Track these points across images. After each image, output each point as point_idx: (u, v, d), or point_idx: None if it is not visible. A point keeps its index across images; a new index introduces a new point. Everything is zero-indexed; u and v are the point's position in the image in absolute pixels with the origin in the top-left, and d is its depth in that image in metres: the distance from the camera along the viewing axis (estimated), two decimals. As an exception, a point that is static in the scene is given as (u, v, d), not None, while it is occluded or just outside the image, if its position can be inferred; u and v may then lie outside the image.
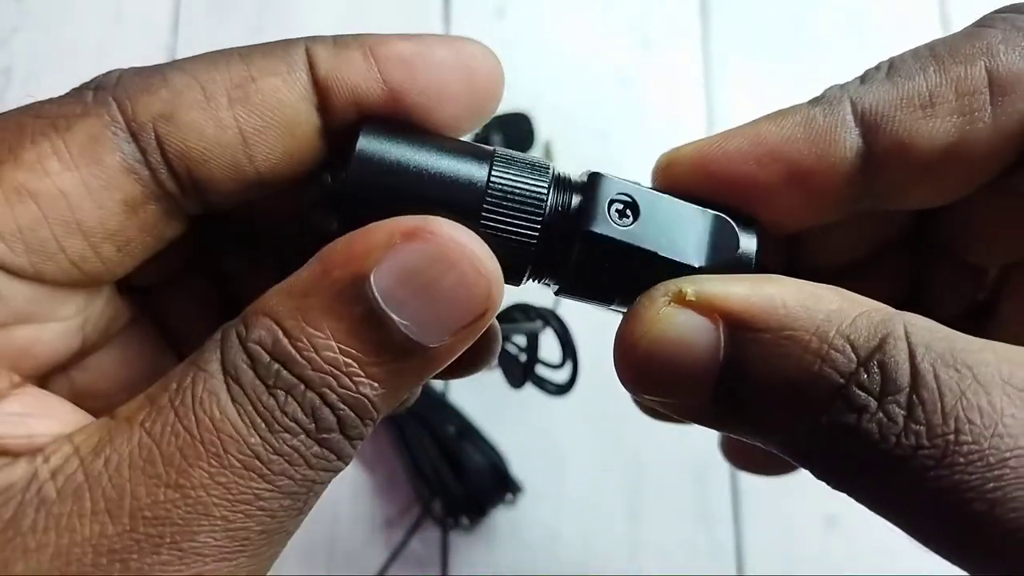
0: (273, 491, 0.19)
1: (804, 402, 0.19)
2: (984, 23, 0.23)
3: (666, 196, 0.22)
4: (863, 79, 0.23)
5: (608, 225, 0.22)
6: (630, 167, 0.59)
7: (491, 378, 0.49)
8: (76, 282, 0.22)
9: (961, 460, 0.18)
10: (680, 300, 0.21)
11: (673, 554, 0.52)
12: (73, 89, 0.22)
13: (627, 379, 0.22)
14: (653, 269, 0.22)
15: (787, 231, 0.25)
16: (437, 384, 0.54)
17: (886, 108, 0.22)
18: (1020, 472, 0.18)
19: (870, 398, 0.19)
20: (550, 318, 0.40)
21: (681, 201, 0.22)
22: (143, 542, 0.18)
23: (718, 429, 0.22)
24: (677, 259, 0.22)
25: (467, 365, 0.31)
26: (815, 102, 0.23)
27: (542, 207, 0.22)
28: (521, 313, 0.41)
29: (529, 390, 0.45)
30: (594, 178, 0.22)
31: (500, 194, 0.22)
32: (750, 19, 0.63)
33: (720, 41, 0.62)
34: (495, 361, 0.32)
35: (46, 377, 0.24)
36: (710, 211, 0.22)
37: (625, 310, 0.24)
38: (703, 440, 0.54)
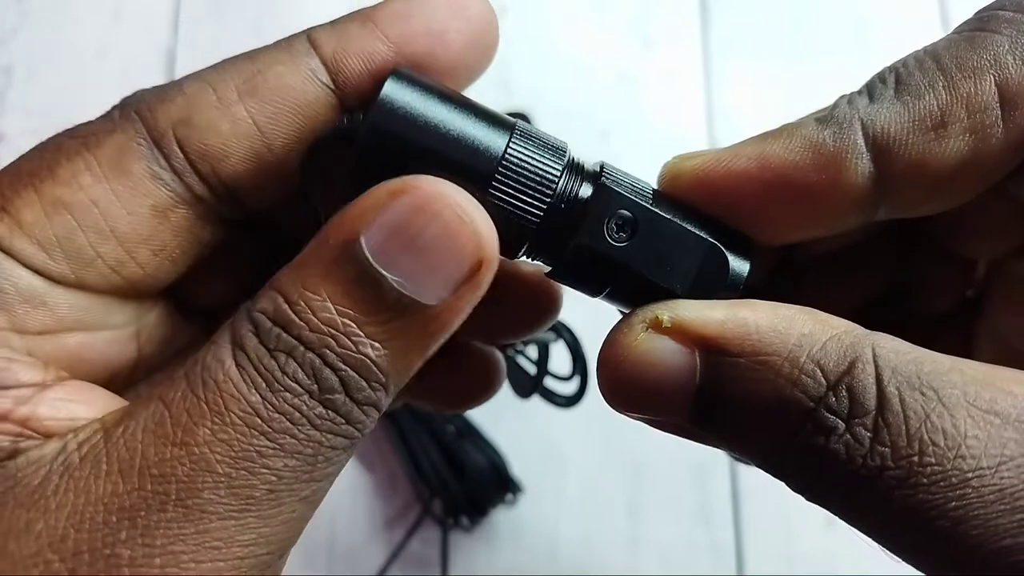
0: (276, 449, 0.20)
1: (776, 424, 0.20)
2: (988, 26, 0.22)
3: (666, 217, 0.23)
4: (871, 95, 0.23)
5: (603, 241, 0.22)
6: (630, 167, 0.59)
7: (491, 378, 0.49)
8: (120, 288, 0.23)
9: (924, 480, 0.19)
10: (656, 326, 0.21)
11: (673, 554, 0.52)
12: (106, 112, 0.24)
13: (609, 398, 0.23)
14: (638, 287, 0.23)
15: (789, 242, 0.25)
16: (437, 384, 0.54)
17: (898, 132, 0.22)
18: (982, 491, 0.18)
19: (838, 420, 0.19)
20: (561, 330, 0.40)
21: (681, 224, 0.23)
22: (150, 499, 0.19)
23: (701, 443, 0.23)
24: (662, 284, 0.23)
25: (469, 396, 0.32)
26: (824, 123, 0.23)
27: (552, 189, 0.22)
28: None
29: (529, 390, 0.45)
30: (601, 188, 0.23)
31: (514, 167, 0.22)
32: (750, 19, 0.63)
33: (720, 41, 0.62)
34: (497, 390, 0.32)
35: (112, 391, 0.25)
36: (706, 239, 0.23)
37: (610, 303, 0.25)
38: (703, 440, 0.54)
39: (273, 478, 0.20)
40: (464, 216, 0.20)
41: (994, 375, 0.19)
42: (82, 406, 0.21)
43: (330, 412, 0.20)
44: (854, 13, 0.63)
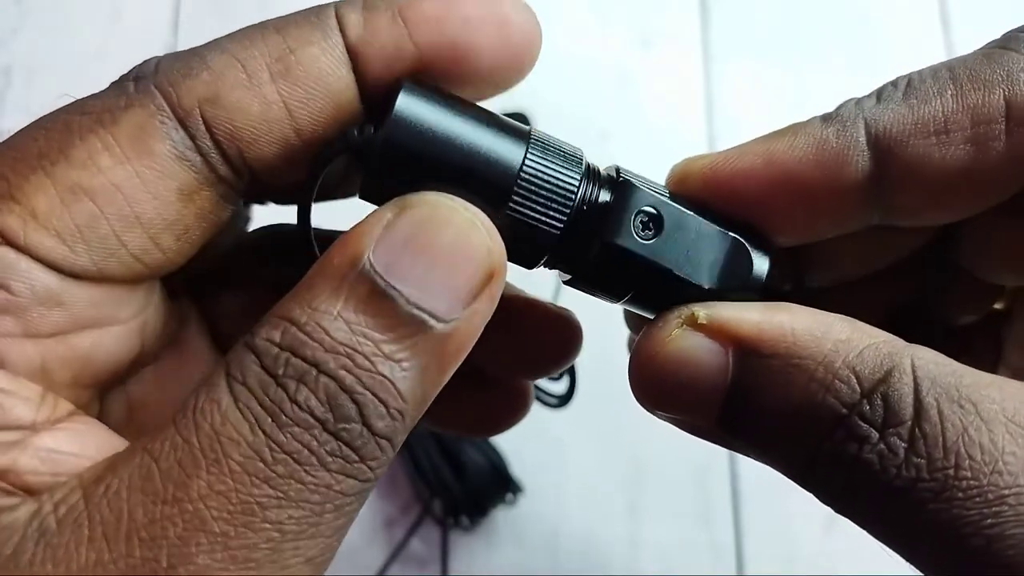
0: (280, 498, 0.18)
1: (806, 429, 0.20)
2: (1007, 45, 0.22)
3: (689, 213, 0.23)
4: (879, 97, 0.23)
5: (631, 239, 0.22)
6: (630, 167, 0.59)
7: (491, 378, 0.49)
8: (138, 276, 0.22)
9: (960, 495, 0.18)
10: (692, 323, 0.21)
11: (673, 554, 0.52)
12: (113, 83, 0.22)
13: (639, 394, 0.22)
14: (666, 283, 0.22)
15: (793, 243, 0.25)
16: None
17: (900, 132, 0.22)
18: (1018, 509, 0.18)
19: (872, 429, 0.19)
20: None
21: (703, 220, 0.23)
22: (139, 567, 0.17)
23: (724, 447, 0.23)
24: (690, 279, 0.22)
25: (498, 423, 0.32)
26: (828, 120, 0.23)
27: (572, 200, 0.22)
28: None
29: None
30: (624, 187, 0.23)
31: (532, 181, 0.22)
32: (750, 19, 0.63)
33: (720, 41, 0.62)
34: (525, 414, 0.32)
35: (105, 390, 0.23)
36: (729, 234, 0.23)
37: (631, 308, 0.24)
38: (703, 440, 0.54)
39: (276, 534, 0.18)
40: (473, 224, 0.20)
41: None
42: (72, 459, 0.19)
43: (343, 447, 0.18)
44: (854, 13, 0.63)
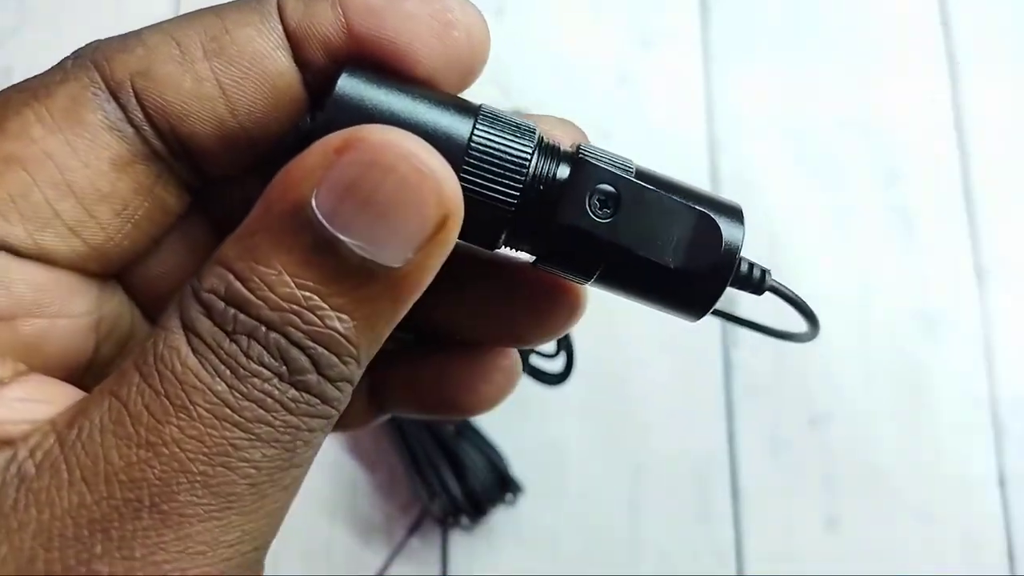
0: (252, 439, 0.18)
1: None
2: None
3: (651, 188, 0.22)
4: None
5: (587, 218, 0.21)
6: (630, 167, 0.59)
7: (491, 378, 0.49)
8: (82, 256, 0.21)
9: None
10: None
11: (673, 554, 0.52)
12: (58, 63, 0.22)
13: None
14: (629, 263, 0.22)
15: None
16: (437, 384, 0.54)
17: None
18: None
19: None
20: None
21: (667, 195, 0.22)
22: (122, 507, 0.18)
23: None
24: (653, 258, 0.21)
25: (484, 399, 0.30)
26: None
27: (524, 172, 0.21)
28: None
29: (529, 389, 0.45)
30: (580, 163, 0.22)
31: (481, 153, 0.21)
32: (750, 19, 0.63)
33: (720, 41, 0.62)
34: (513, 388, 0.31)
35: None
36: (696, 208, 0.22)
37: (604, 288, 0.23)
38: (704, 439, 0.54)
39: (253, 471, 0.19)
40: (422, 166, 0.18)
41: None
42: (43, 405, 0.19)
43: (304, 394, 0.19)
44: (854, 13, 0.63)
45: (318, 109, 0.21)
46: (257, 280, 0.18)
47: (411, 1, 0.22)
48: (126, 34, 0.22)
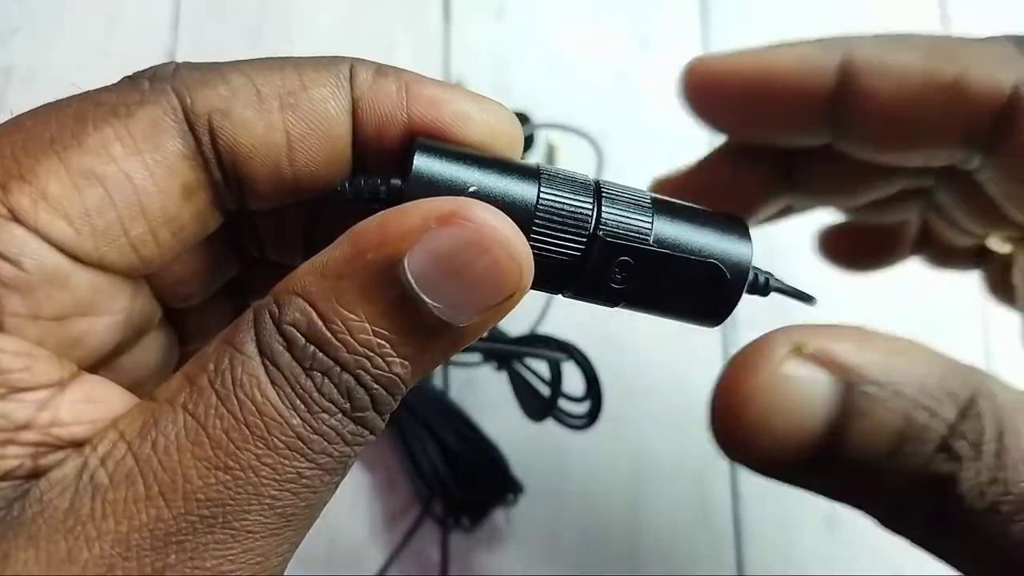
0: (315, 468, 0.20)
1: (908, 455, 0.20)
2: (988, 41, 0.26)
3: (663, 252, 0.23)
4: (873, 36, 0.28)
5: (606, 286, 0.24)
6: (630, 167, 0.59)
7: (491, 377, 0.49)
8: (132, 267, 0.23)
9: None
10: (799, 352, 0.20)
11: (673, 554, 0.52)
12: (126, 78, 0.23)
13: (731, 437, 0.21)
14: (647, 306, 0.24)
15: (757, 141, 0.32)
16: (437, 384, 0.54)
17: (866, 64, 0.27)
18: None
19: (968, 448, 0.19)
20: (572, 351, 0.39)
21: (676, 255, 0.24)
22: (198, 523, 0.19)
23: (804, 486, 0.22)
24: (668, 308, 0.25)
25: None
26: (817, 40, 0.29)
27: (588, 225, 0.23)
28: (541, 345, 0.41)
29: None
30: (595, 242, 0.23)
31: (548, 212, 0.23)
32: (750, 18, 0.63)
33: (720, 41, 0.62)
34: None
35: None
36: (704, 260, 0.24)
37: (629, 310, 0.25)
38: (704, 440, 0.54)
39: (312, 495, 0.21)
40: (514, 252, 0.20)
41: None
42: (99, 406, 0.21)
43: (360, 428, 0.21)
44: (854, 13, 0.63)
45: (361, 173, 0.23)
46: (340, 324, 0.20)
47: (468, 103, 0.24)
48: (206, 66, 0.23)
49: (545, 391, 0.41)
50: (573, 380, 0.40)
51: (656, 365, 0.55)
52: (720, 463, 0.53)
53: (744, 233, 0.25)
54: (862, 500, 0.21)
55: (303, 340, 0.20)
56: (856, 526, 0.55)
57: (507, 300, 0.21)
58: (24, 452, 0.19)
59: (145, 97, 0.22)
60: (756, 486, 0.53)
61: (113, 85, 0.22)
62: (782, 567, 0.51)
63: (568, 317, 0.48)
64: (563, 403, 0.41)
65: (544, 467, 0.53)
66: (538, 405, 0.42)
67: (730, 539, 0.52)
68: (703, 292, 0.24)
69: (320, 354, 0.20)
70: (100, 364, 0.24)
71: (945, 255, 0.33)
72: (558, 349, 0.39)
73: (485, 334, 0.22)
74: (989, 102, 0.25)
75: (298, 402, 0.20)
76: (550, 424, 0.53)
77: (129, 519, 0.19)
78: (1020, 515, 0.19)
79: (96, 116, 0.21)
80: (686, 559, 0.52)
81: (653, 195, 0.25)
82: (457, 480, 0.49)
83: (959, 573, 0.21)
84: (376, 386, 0.20)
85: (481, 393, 0.53)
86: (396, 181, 0.22)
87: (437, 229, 0.20)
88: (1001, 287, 0.35)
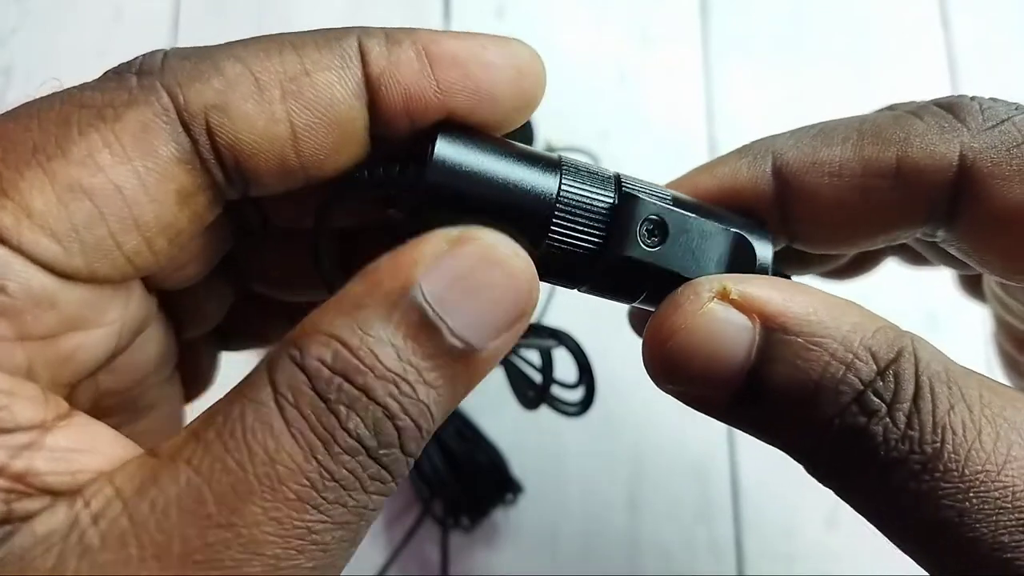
0: (326, 522, 0.19)
1: (822, 404, 0.20)
2: (917, 112, 0.25)
3: (691, 216, 0.23)
4: (794, 134, 0.26)
5: (639, 248, 0.23)
6: (630, 167, 0.59)
7: (491, 377, 0.49)
8: (126, 277, 0.21)
9: (941, 468, 0.19)
10: (724, 297, 0.21)
11: (673, 553, 0.52)
12: (112, 72, 0.21)
13: (656, 368, 0.23)
14: (676, 284, 0.23)
15: None
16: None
17: (799, 168, 0.25)
18: (988, 486, 0.19)
19: (882, 404, 0.20)
20: (563, 338, 0.39)
21: (705, 220, 0.23)
22: None
23: (730, 423, 0.23)
24: (696, 279, 0.23)
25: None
26: (743, 152, 0.26)
27: (607, 218, 0.23)
28: (532, 333, 0.40)
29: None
30: (627, 198, 0.23)
31: (570, 204, 0.22)
32: (750, 17, 0.63)
33: (720, 40, 0.62)
34: None
35: (76, 386, 0.23)
36: (731, 230, 0.24)
37: (643, 306, 0.25)
38: (703, 439, 0.54)
39: (321, 553, 0.19)
40: (522, 267, 0.21)
41: (1002, 388, 0.21)
42: (85, 455, 0.19)
43: (381, 471, 0.19)
44: (855, 12, 0.63)
45: (381, 159, 0.22)
46: (366, 349, 0.19)
47: (492, 49, 0.23)
48: (197, 54, 0.21)
49: (538, 379, 0.41)
50: (567, 368, 0.40)
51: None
52: (720, 462, 0.53)
53: (763, 226, 0.25)
54: (784, 443, 0.22)
55: (328, 372, 0.19)
56: (856, 526, 0.55)
57: (519, 320, 0.21)
58: None
59: (133, 97, 0.20)
60: (756, 484, 0.53)
61: (98, 81, 0.21)
62: (782, 567, 0.51)
63: (567, 311, 0.48)
64: (557, 390, 0.41)
65: (544, 467, 0.53)
66: (531, 394, 0.42)
67: (730, 539, 0.52)
68: (730, 268, 0.24)
69: (346, 384, 0.19)
70: (96, 372, 0.24)
71: (919, 259, 0.33)
72: (549, 336, 0.39)
73: (497, 363, 0.22)
74: (939, 180, 0.24)
75: (316, 443, 0.18)
76: (550, 424, 0.53)
77: None
78: (925, 475, 0.19)
79: (81, 120, 0.20)
80: (686, 559, 0.52)
81: (673, 192, 0.25)
82: (457, 480, 0.49)
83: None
84: (404, 417, 0.19)
85: (481, 393, 0.53)
86: (417, 167, 0.22)
87: (449, 251, 0.20)
88: (972, 286, 0.35)
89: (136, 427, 0.22)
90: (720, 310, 0.21)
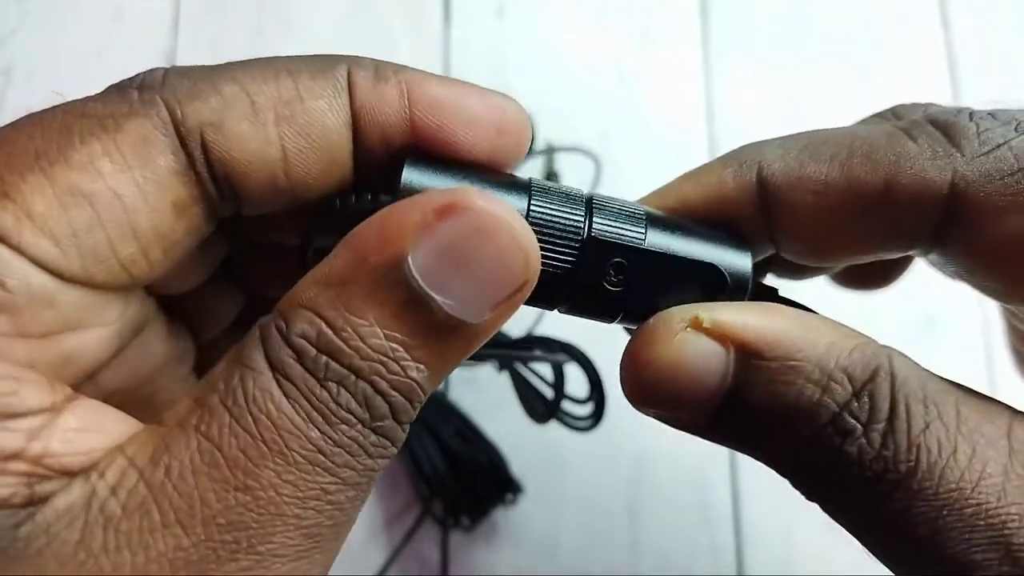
0: (339, 483, 0.19)
1: (799, 426, 0.21)
2: (909, 130, 0.24)
3: (658, 252, 0.23)
4: (783, 143, 0.25)
5: (607, 289, 0.23)
6: (630, 167, 0.59)
7: (490, 377, 0.49)
8: (121, 284, 0.22)
9: (915, 486, 0.19)
10: (696, 326, 0.22)
11: (673, 554, 0.52)
12: (114, 87, 0.22)
13: (634, 396, 0.23)
14: (650, 312, 0.23)
15: None
16: (437, 384, 0.54)
17: (784, 182, 0.24)
18: (962, 504, 0.19)
19: (857, 425, 0.20)
20: (574, 352, 0.39)
21: (674, 252, 0.23)
22: (220, 549, 0.18)
23: (712, 441, 0.23)
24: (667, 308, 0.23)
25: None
26: (728, 161, 0.26)
27: (580, 235, 0.23)
28: (542, 346, 0.40)
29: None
30: (595, 242, 0.23)
31: (539, 224, 0.22)
32: (750, 17, 0.63)
33: (720, 40, 0.62)
34: None
35: (78, 384, 0.23)
36: (699, 260, 0.24)
37: (625, 326, 0.25)
38: (703, 441, 0.54)
39: (338, 512, 0.20)
40: (518, 238, 0.20)
41: (981, 404, 0.21)
42: (95, 435, 0.20)
43: (381, 439, 0.20)
44: (855, 11, 0.63)
45: (363, 190, 0.23)
46: (350, 331, 0.19)
47: (473, 101, 0.23)
48: (197, 73, 0.22)
49: (548, 393, 0.41)
50: (576, 381, 0.40)
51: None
52: (720, 463, 0.53)
53: (742, 242, 0.25)
54: (766, 460, 0.22)
55: (314, 351, 0.19)
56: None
57: (518, 292, 0.20)
58: (17, 481, 0.18)
59: (134, 109, 0.21)
60: (756, 486, 0.53)
61: (100, 95, 0.21)
62: (782, 567, 0.51)
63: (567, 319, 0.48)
64: (567, 405, 0.41)
65: (544, 467, 0.52)
66: (542, 408, 0.41)
67: (730, 539, 0.52)
68: (703, 298, 0.23)
69: (333, 363, 0.19)
70: (97, 371, 0.24)
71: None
72: (560, 350, 0.39)
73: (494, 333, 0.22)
74: (928, 205, 0.23)
75: (315, 414, 0.19)
76: (550, 424, 0.53)
77: (145, 549, 0.18)
78: (899, 493, 0.20)
79: (83, 129, 0.20)
80: (686, 559, 0.52)
81: (647, 208, 0.25)
82: (457, 480, 0.49)
83: None
84: (394, 393, 0.20)
85: (481, 393, 0.53)
86: (387, 197, 0.22)
87: (437, 222, 0.19)
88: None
89: None
90: (692, 339, 0.22)
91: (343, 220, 0.22)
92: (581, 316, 0.25)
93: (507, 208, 0.20)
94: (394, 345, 0.19)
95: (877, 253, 0.25)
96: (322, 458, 0.19)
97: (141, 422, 0.22)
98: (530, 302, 0.23)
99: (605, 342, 0.38)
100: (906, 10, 0.63)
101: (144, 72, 0.22)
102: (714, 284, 0.23)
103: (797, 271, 0.32)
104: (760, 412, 0.21)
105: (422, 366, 0.20)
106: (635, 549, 0.52)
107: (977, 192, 0.22)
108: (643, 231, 0.23)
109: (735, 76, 0.61)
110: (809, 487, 0.22)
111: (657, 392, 0.22)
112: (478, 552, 0.51)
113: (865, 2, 0.64)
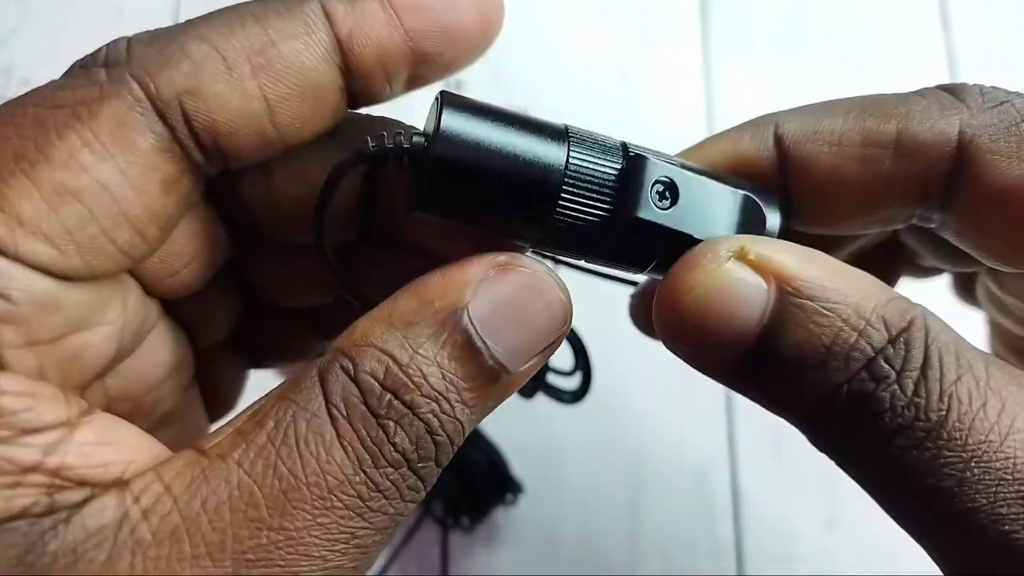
0: (368, 528, 0.20)
1: (831, 369, 0.20)
2: (921, 92, 0.25)
3: (701, 177, 0.23)
4: (798, 109, 0.26)
5: (651, 210, 0.22)
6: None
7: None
8: (124, 268, 0.22)
9: (945, 436, 0.19)
10: (742, 256, 0.21)
11: (673, 554, 0.52)
12: (78, 65, 0.21)
13: (667, 327, 0.23)
14: (686, 247, 0.23)
15: None
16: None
17: (800, 137, 0.25)
18: (991, 456, 0.19)
19: (892, 370, 0.20)
20: None
21: (713, 182, 0.23)
22: None
23: (734, 386, 0.23)
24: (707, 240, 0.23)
25: None
26: (746, 124, 0.27)
27: (616, 186, 0.22)
28: None
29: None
30: (637, 161, 0.23)
31: (578, 175, 0.22)
32: (750, 17, 0.63)
33: (720, 40, 0.62)
34: None
35: (85, 388, 0.23)
36: (740, 192, 0.24)
37: (652, 276, 0.25)
38: (704, 439, 0.54)
39: (361, 555, 0.20)
40: (562, 295, 0.22)
41: (1008, 367, 0.21)
42: (111, 448, 0.20)
43: (418, 482, 0.21)
44: (855, 12, 0.63)
45: (394, 134, 0.22)
46: (416, 368, 0.20)
47: None
48: (161, 39, 0.21)
49: None
50: (562, 356, 0.40)
51: (656, 365, 0.54)
52: (720, 462, 0.53)
53: (775, 201, 0.25)
54: (788, 408, 0.22)
55: (379, 388, 0.20)
56: (856, 526, 0.55)
57: (554, 343, 0.22)
58: (37, 491, 0.18)
59: (105, 92, 0.20)
60: (756, 486, 0.53)
61: (66, 78, 0.21)
62: (782, 567, 0.51)
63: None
64: (553, 378, 0.41)
65: (544, 467, 0.52)
66: (528, 383, 0.41)
67: (730, 539, 0.52)
68: (741, 230, 0.23)
69: (396, 401, 0.20)
70: (103, 374, 0.24)
71: (921, 271, 0.33)
72: None
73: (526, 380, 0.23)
74: (937, 155, 0.24)
75: (365, 456, 0.19)
76: (550, 424, 0.53)
77: None
78: (928, 442, 0.19)
79: (58, 122, 0.19)
80: (686, 559, 0.52)
81: (681, 159, 0.25)
82: (457, 480, 0.49)
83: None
84: (442, 432, 0.20)
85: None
86: (419, 138, 0.22)
87: (496, 276, 0.21)
88: (966, 292, 0.35)
89: (159, 437, 0.22)
90: (737, 270, 0.21)
91: (374, 162, 0.22)
92: (611, 266, 0.24)
93: (549, 270, 0.22)
94: (450, 386, 0.20)
95: (889, 209, 0.25)
96: (359, 503, 0.19)
97: (149, 433, 0.22)
98: (565, 252, 0.24)
99: (594, 329, 0.38)
100: (906, 10, 0.63)
101: (106, 45, 0.21)
102: (751, 222, 0.23)
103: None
104: (794, 352, 0.21)
105: (468, 409, 0.21)
106: (635, 549, 0.52)
107: (983, 140, 0.23)
108: (679, 165, 0.24)
109: (735, 76, 0.61)
110: (829, 435, 0.22)
111: (694, 322, 0.22)
112: (478, 552, 0.51)
113: (865, 2, 0.64)
